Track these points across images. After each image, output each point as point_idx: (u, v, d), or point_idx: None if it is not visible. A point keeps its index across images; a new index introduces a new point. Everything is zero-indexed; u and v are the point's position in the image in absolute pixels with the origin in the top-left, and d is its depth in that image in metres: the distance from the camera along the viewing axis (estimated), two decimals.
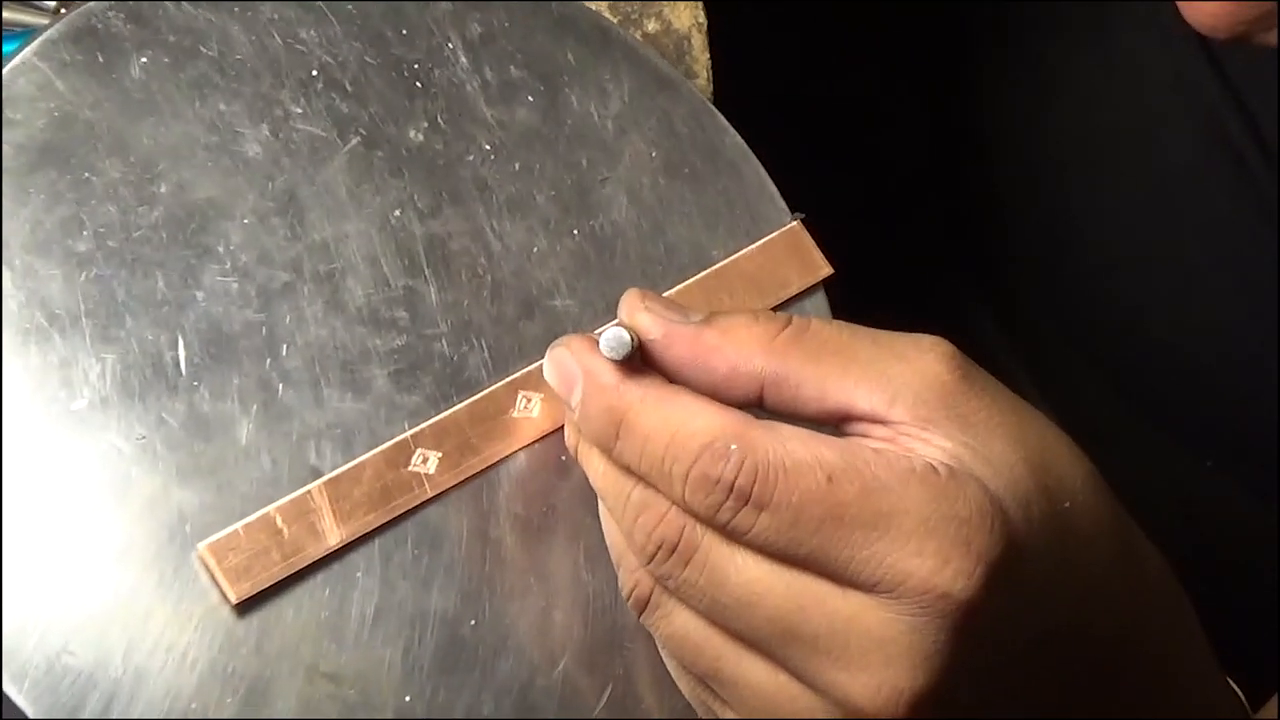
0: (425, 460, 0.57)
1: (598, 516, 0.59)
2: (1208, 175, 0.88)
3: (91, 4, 0.59)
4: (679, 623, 0.55)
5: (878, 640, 0.51)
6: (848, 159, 1.00)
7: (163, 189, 0.58)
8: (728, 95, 0.72)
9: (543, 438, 0.59)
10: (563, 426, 0.59)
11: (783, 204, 0.65)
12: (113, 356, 0.56)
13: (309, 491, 0.56)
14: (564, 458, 0.59)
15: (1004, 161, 0.97)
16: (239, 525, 0.55)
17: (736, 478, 0.51)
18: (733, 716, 0.56)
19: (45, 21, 0.70)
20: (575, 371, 0.55)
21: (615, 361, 0.54)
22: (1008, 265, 0.99)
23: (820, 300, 0.64)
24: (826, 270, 0.64)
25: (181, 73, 0.59)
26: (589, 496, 0.59)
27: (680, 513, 0.53)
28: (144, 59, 0.59)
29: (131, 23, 0.59)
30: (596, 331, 0.57)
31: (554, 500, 0.59)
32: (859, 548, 0.51)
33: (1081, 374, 0.96)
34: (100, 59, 0.59)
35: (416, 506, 0.57)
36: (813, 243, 0.64)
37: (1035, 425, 0.55)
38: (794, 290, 0.64)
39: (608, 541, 0.57)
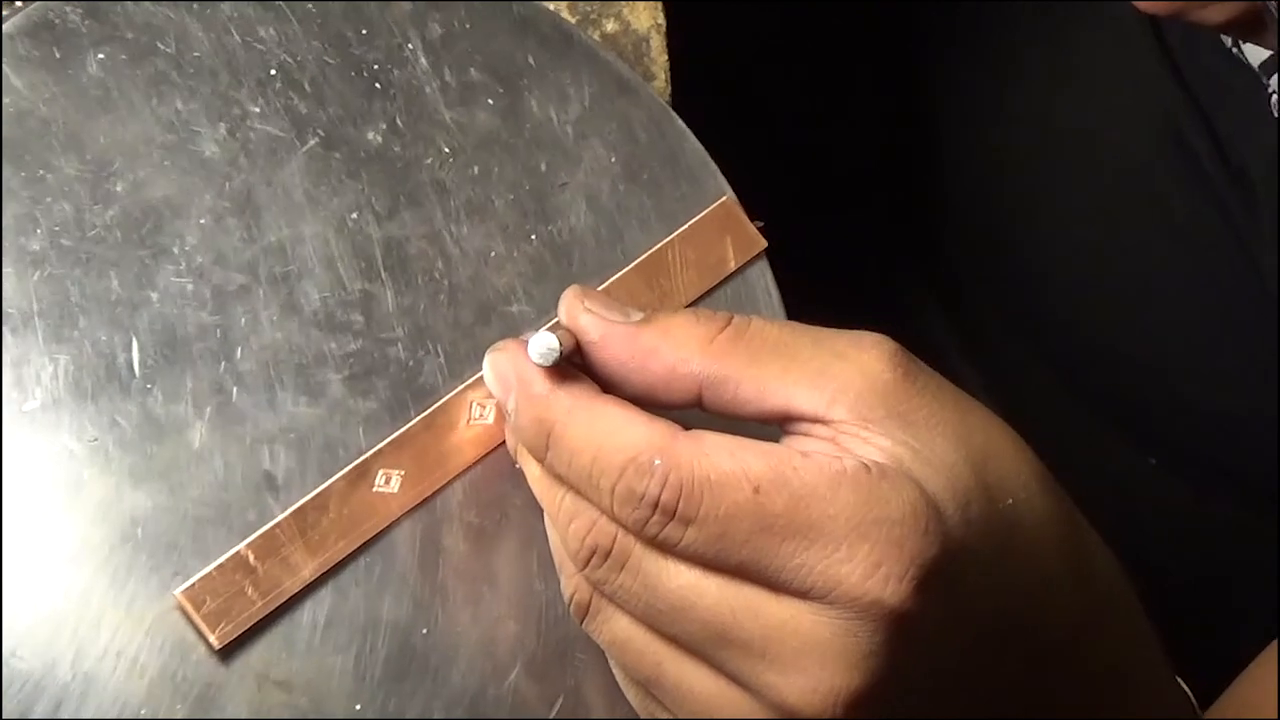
0: (388, 480, 0.57)
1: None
2: (1159, 173, 0.88)
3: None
4: (619, 628, 0.55)
5: (812, 643, 0.51)
6: (804, 156, 1.00)
7: (118, 187, 0.57)
8: (685, 93, 0.72)
9: (498, 445, 0.59)
10: None
11: (743, 213, 0.65)
12: (65, 357, 0.55)
13: (277, 525, 0.55)
14: (517, 465, 0.59)
15: (957, 157, 0.97)
16: (212, 567, 0.54)
17: (661, 493, 0.51)
18: None
19: (3, 14, 0.69)
20: (510, 378, 0.55)
21: (546, 367, 0.54)
22: (958, 260, 0.99)
23: (764, 271, 0.64)
24: (761, 244, 0.64)
25: (139, 70, 0.59)
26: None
27: (611, 520, 0.53)
28: (101, 55, 0.58)
29: (89, 18, 0.58)
30: (524, 336, 0.57)
31: (507, 508, 0.59)
32: (789, 557, 0.51)
33: (1028, 369, 0.96)
34: (57, 54, 0.58)
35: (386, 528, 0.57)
36: (745, 217, 0.64)
37: (979, 422, 0.55)
38: (733, 267, 0.64)
39: (551, 547, 0.57)
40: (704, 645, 0.53)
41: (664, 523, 0.51)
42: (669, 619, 0.53)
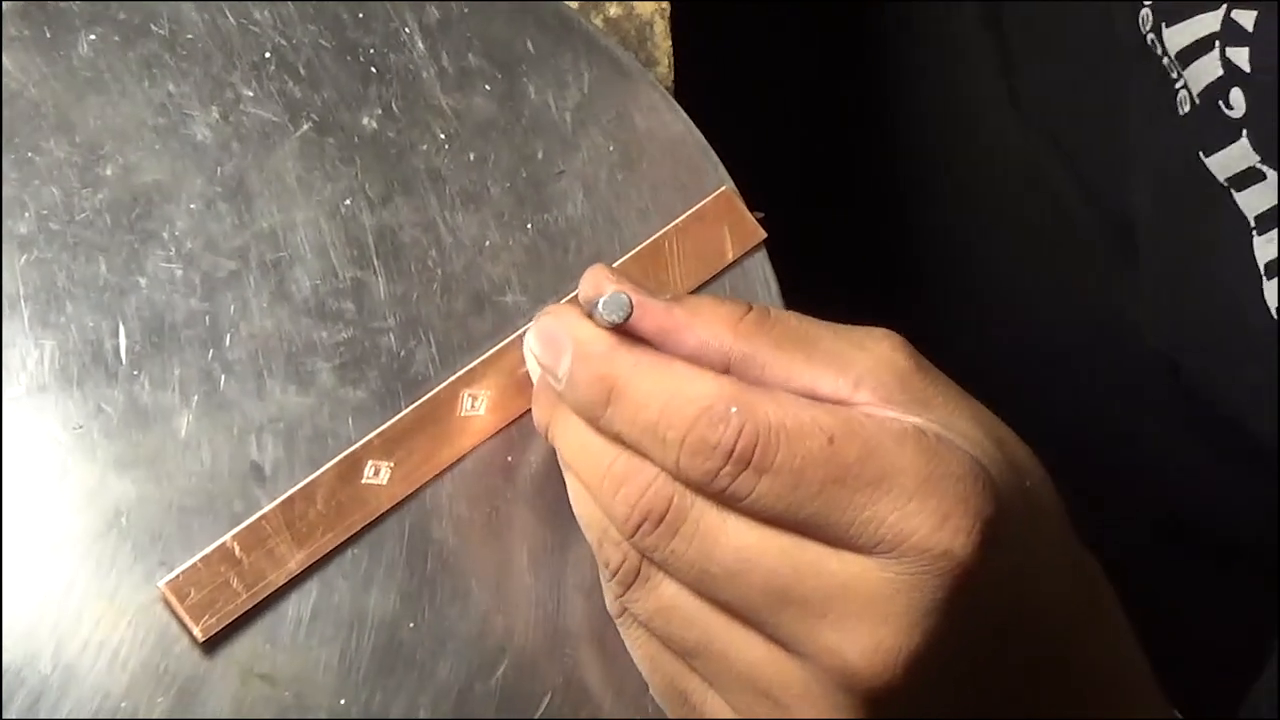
0: (377, 472, 0.57)
1: (542, 519, 0.58)
2: (1028, 219, 0.87)
3: None
4: (666, 596, 0.54)
5: (877, 600, 0.51)
6: (811, 145, 0.99)
7: (108, 171, 0.57)
8: (689, 80, 0.72)
9: (490, 437, 0.59)
10: (509, 425, 0.59)
11: (742, 204, 0.64)
12: (52, 343, 0.55)
13: (263, 517, 0.55)
14: (510, 458, 0.59)
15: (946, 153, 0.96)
16: (197, 558, 0.54)
17: (737, 441, 0.51)
18: (712, 704, 0.55)
19: None
20: (564, 340, 0.54)
21: (606, 328, 0.54)
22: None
23: (763, 263, 0.64)
24: (760, 235, 0.64)
25: (131, 51, 0.58)
26: (534, 498, 0.59)
27: (668, 480, 0.52)
28: (93, 36, 0.58)
29: None
30: (565, 299, 0.57)
31: (498, 501, 0.58)
32: (860, 509, 0.51)
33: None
34: (48, 34, 0.58)
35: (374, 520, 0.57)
36: (744, 208, 0.64)
37: (985, 410, 0.56)
38: (731, 258, 0.63)
39: (583, 522, 0.56)
40: (760, 608, 0.52)
41: (736, 473, 0.51)
42: (724, 582, 0.52)
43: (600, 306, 0.53)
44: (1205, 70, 0.70)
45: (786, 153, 0.97)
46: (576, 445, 0.55)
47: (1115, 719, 0.60)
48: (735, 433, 0.51)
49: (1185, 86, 0.72)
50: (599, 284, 0.55)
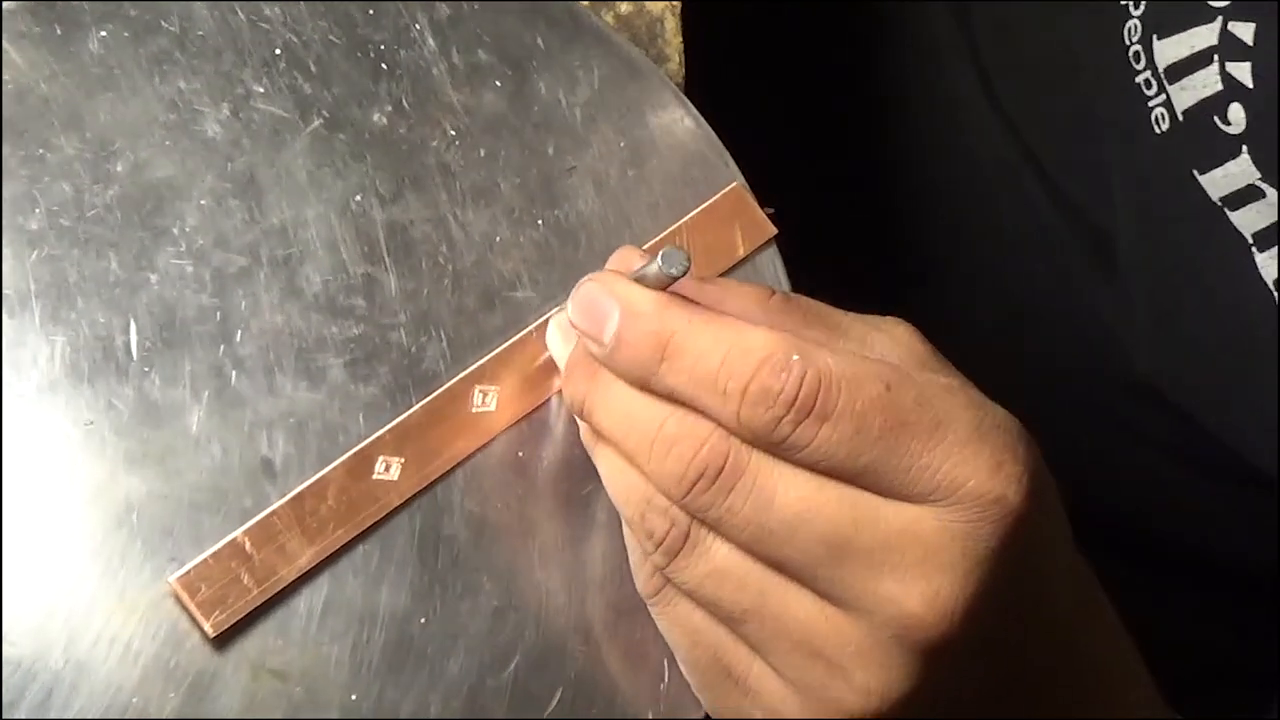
0: (388, 468, 0.57)
1: (554, 515, 0.58)
2: (1010, 240, 0.87)
3: None
4: (718, 559, 0.54)
5: (935, 547, 0.52)
6: (823, 140, 0.99)
7: (119, 167, 0.57)
8: (700, 76, 0.72)
9: (501, 433, 0.59)
10: (520, 421, 0.59)
11: (753, 199, 0.64)
12: (62, 339, 0.55)
13: (274, 512, 0.55)
14: (521, 454, 0.59)
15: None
16: (208, 554, 0.54)
17: (800, 389, 0.51)
18: (759, 672, 0.56)
19: None
20: (608, 304, 0.54)
21: (657, 288, 0.54)
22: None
23: (774, 259, 0.64)
24: (771, 230, 0.64)
25: (141, 48, 0.58)
26: (545, 493, 0.59)
27: (724, 436, 0.53)
28: (103, 32, 0.58)
29: None
30: (632, 269, 0.56)
31: (509, 497, 0.58)
32: (916, 456, 0.52)
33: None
34: (58, 31, 0.57)
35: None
36: (755, 204, 0.64)
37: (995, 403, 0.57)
38: (742, 254, 0.64)
39: (621, 497, 0.56)
40: (817, 563, 0.53)
41: (798, 420, 0.51)
42: (782, 537, 0.53)
43: (660, 259, 0.53)
44: (1200, 84, 0.70)
45: (795, 149, 0.97)
46: (621, 413, 0.55)
47: (1117, 717, 0.60)
48: (798, 381, 0.51)
49: (1165, 104, 0.72)
50: (630, 261, 0.56)
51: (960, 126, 0.87)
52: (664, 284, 0.54)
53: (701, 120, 0.65)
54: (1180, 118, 0.71)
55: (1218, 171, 0.70)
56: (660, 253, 0.53)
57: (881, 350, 0.55)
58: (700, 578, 0.54)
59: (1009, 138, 0.83)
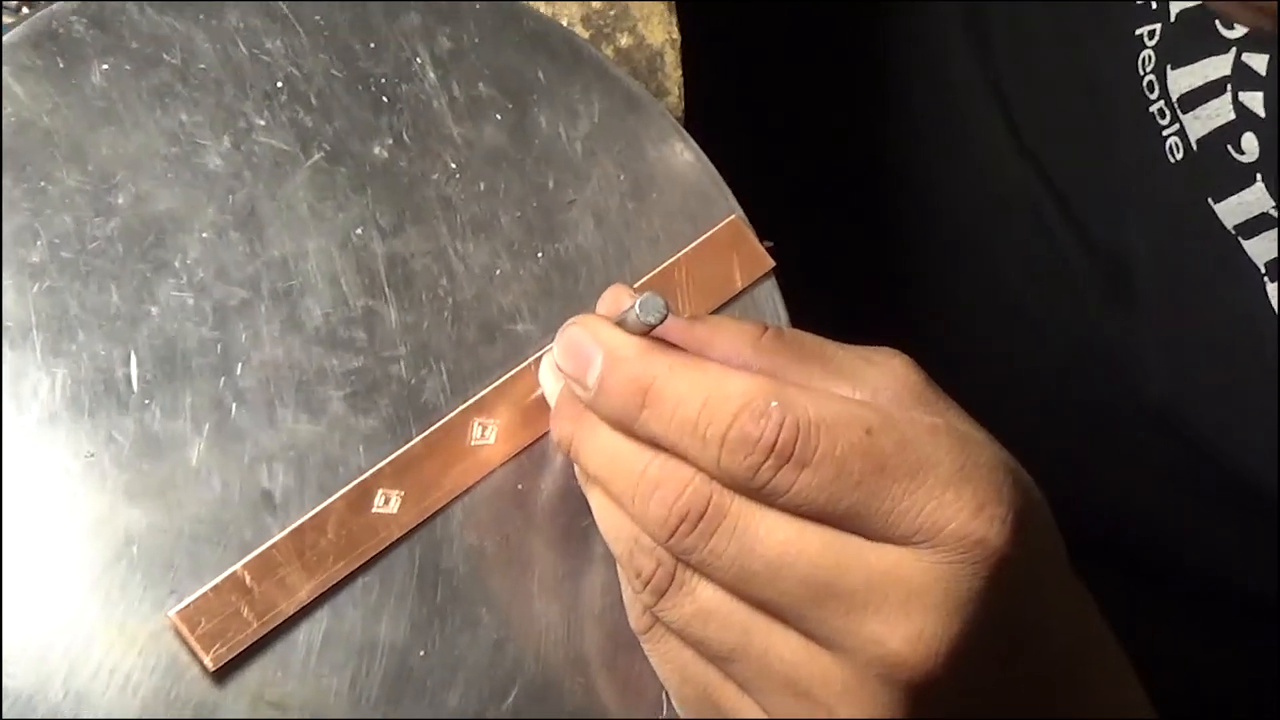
0: (388, 501, 0.57)
1: (553, 546, 0.58)
2: (1020, 265, 0.87)
3: (54, 7, 0.58)
4: (703, 599, 0.54)
5: (917, 589, 0.52)
6: (823, 174, 0.99)
7: (120, 200, 0.57)
8: (700, 109, 0.72)
9: (500, 465, 0.59)
10: (519, 454, 0.59)
11: (752, 233, 0.64)
12: (63, 371, 0.55)
13: (274, 545, 0.55)
14: (520, 486, 0.59)
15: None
16: (208, 587, 0.54)
17: (778, 435, 0.51)
18: (747, 709, 0.56)
19: (8, 22, 0.69)
20: (593, 348, 0.55)
21: (639, 333, 0.54)
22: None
23: (773, 292, 0.64)
24: (769, 263, 0.64)
25: (143, 81, 0.58)
26: (545, 526, 0.59)
27: (706, 480, 0.53)
28: (105, 65, 0.58)
29: (94, 28, 0.58)
30: (604, 313, 0.57)
31: (508, 530, 0.58)
32: (898, 499, 0.52)
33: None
34: (60, 64, 0.58)
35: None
36: (754, 236, 0.64)
37: (988, 433, 0.57)
38: (740, 286, 0.64)
39: (610, 536, 0.56)
40: (801, 604, 0.53)
41: (778, 466, 0.51)
42: (765, 579, 0.53)
43: (636, 307, 0.53)
44: (1213, 114, 0.70)
45: (797, 182, 0.98)
46: (606, 456, 0.55)
47: None
48: (776, 426, 0.51)
49: (1179, 133, 0.72)
50: (620, 301, 0.56)
51: (977, 156, 0.88)
52: (645, 330, 0.54)
53: (701, 153, 0.65)
54: (1194, 147, 0.71)
55: (1232, 199, 0.70)
56: (638, 300, 0.53)
57: (875, 384, 0.55)
58: (687, 617, 0.55)
59: (1027, 166, 0.84)
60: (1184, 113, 0.72)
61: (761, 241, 0.64)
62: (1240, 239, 0.70)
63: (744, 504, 0.52)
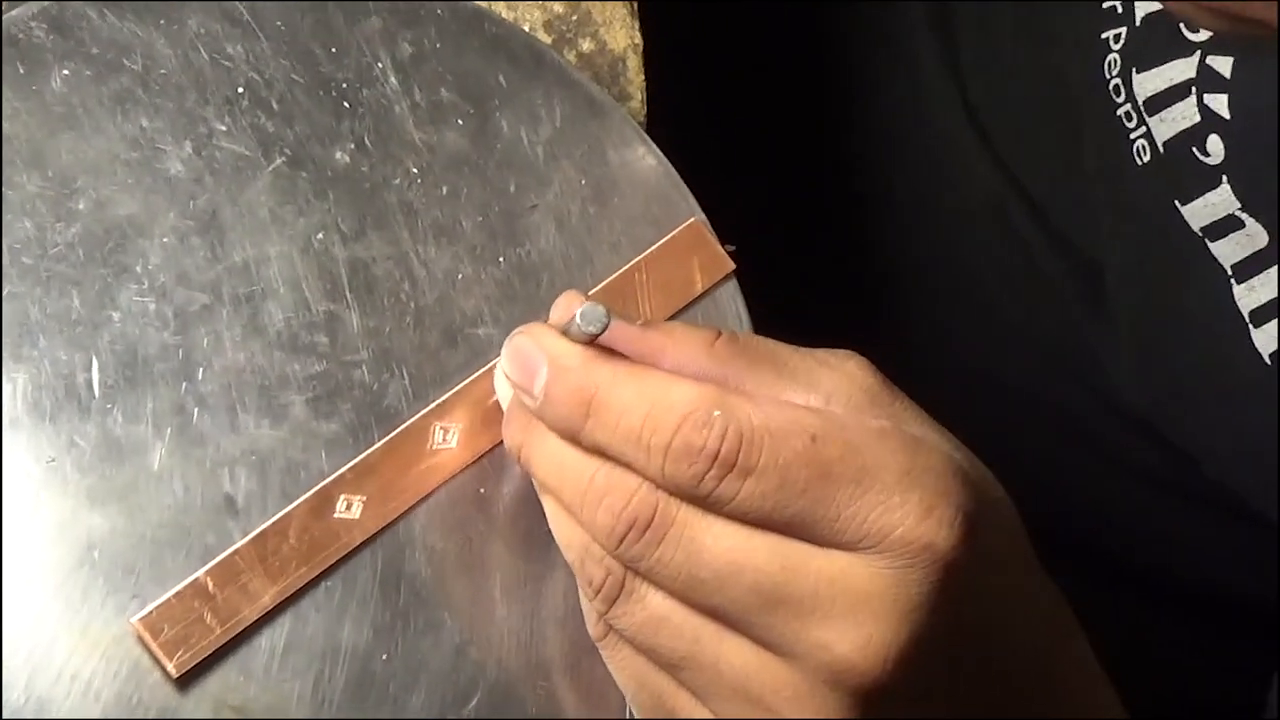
0: (350, 506, 0.57)
1: (515, 550, 0.59)
2: (991, 267, 0.87)
3: (13, 13, 0.58)
4: (654, 606, 0.54)
5: (865, 595, 0.52)
6: (786, 178, 0.99)
7: (81, 205, 0.57)
8: (662, 114, 0.72)
9: (462, 470, 0.59)
10: (481, 458, 0.59)
11: (713, 235, 0.65)
12: (24, 376, 0.55)
13: (236, 552, 0.55)
14: (482, 490, 0.59)
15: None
16: (170, 594, 0.54)
17: (721, 444, 0.51)
18: (701, 716, 0.56)
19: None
20: (538, 357, 0.55)
21: (583, 343, 0.54)
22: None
23: (735, 294, 0.65)
24: (730, 266, 0.64)
25: (104, 86, 0.59)
26: (507, 529, 0.59)
27: (651, 489, 0.53)
28: (65, 71, 0.58)
29: (54, 33, 0.58)
30: (553, 321, 0.57)
31: (470, 534, 0.58)
32: (844, 506, 0.52)
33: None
34: (20, 69, 0.58)
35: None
36: (714, 238, 0.64)
37: (947, 432, 0.57)
38: (700, 289, 0.64)
39: (563, 543, 0.56)
40: (749, 610, 0.53)
41: (721, 475, 0.51)
42: (713, 587, 0.53)
43: (578, 317, 0.53)
44: (1178, 116, 0.70)
45: (762, 187, 0.98)
46: (554, 464, 0.55)
47: None
48: (719, 436, 0.51)
49: (1145, 135, 0.72)
50: (571, 308, 0.56)
51: (946, 161, 0.88)
52: (588, 339, 0.54)
53: (663, 158, 0.65)
54: (1161, 149, 0.72)
55: (1198, 202, 0.70)
56: (579, 310, 0.53)
57: (829, 387, 0.55)
58: (638, 625, 0.55)
59: (996, 171, 0.84)
60: (1150, 115, 0.72)
61: (723, 245, 0.64)
62: (1207, 241, 0.70)
63: (690, 512, 0.53)
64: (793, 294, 0.77)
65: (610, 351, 0.55)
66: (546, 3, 0.72)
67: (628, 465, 0.53)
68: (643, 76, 0.72)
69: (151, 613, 0.54)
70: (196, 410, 0.56)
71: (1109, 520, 0.84)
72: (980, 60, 0.85)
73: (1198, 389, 0.74)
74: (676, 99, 0.74)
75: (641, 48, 0.72)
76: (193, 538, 0.55)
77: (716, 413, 0.52)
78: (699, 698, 0.55)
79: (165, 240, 0.58)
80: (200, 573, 0.55)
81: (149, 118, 0.59)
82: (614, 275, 0.63)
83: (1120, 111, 0.73)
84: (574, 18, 0.72)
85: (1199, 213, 0.70)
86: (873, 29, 0.94)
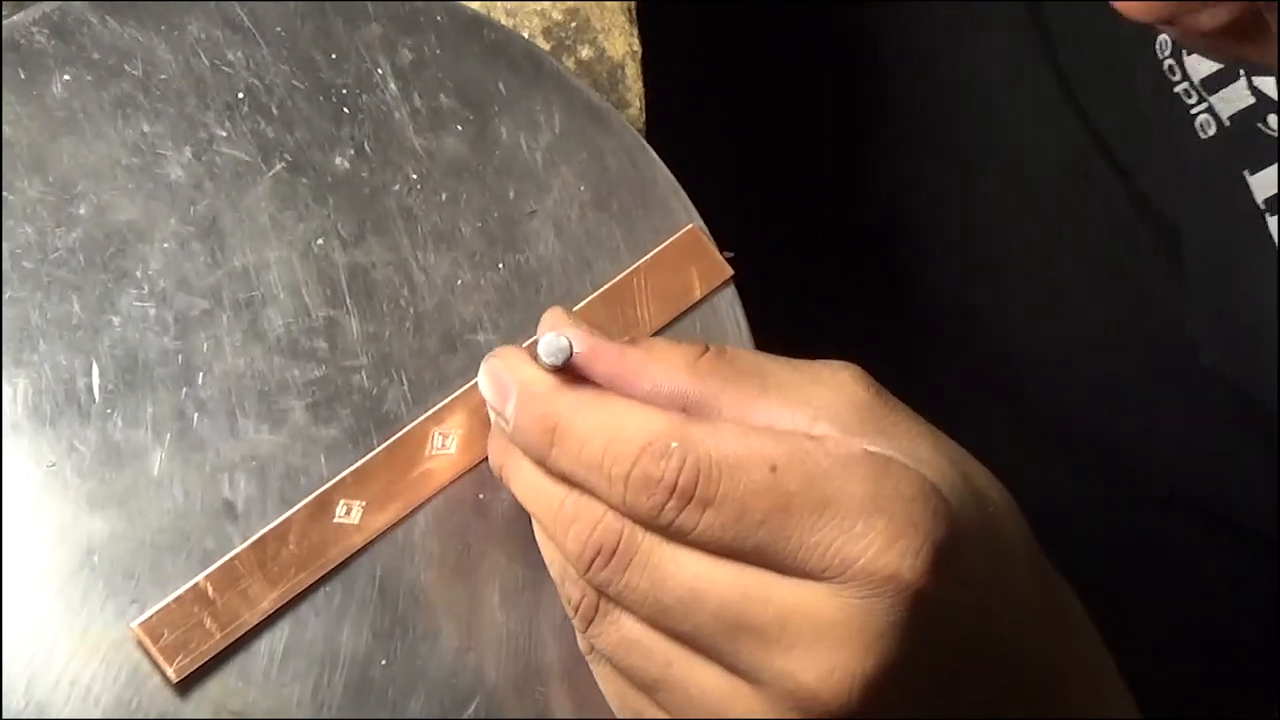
0: (349, 511, 0.57)
1: (513, 556, 0.59)
2: (1074, 217, 0.88)
3: (15, 18, 0.59)
4: (625, 630, 0.55)
5: (828, 624, 0.52)
6: (783, 185, 1.00)
7: (82, 210, 0.58)
8: (661, 124, 0.73)
9: (460, 475, 0.59)
10: (480, 462, 0.59)
11: (711, 242, 0.65)
12: (24, 381, 0.56)
13: (236, 557, 0.56)
14: (481, 495, 0.59)
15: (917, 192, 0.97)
16: (170, 599, 0.55)
17: (679, 476, 0.52)
18: None
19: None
20: (509, 383, 0.56)
21: (550, 370, 0.55)
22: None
23: (733, 301, 0.65)
24: (728, 271, 0.65)
25: (105, 91, 0.59)
26: (505, 535, 0.59)
27: (617, 516, 0.53)
28: (67, 76, 0.59)
29: (56, 38, 0.59)
30: (527, 343, 0.58)
31: (469, 539, 0.59)
32: (806, 535, 0.52)
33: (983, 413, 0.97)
34: (22, 75, 0.58)
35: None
36: (712, 245, 0.65)
37: (948, 440, 0.57)
38: (699, 295, 0.64)
39: (547, 561, 0.57)
40: (715, 638, 0.53)
41: (681, 507, 0.52)
42: (679, 614, 0.53)
43: (540, 348, 0.54)
44: (1235, 96, 0.71)
45: (759, 191, 0.98)
46: (530, 487, 0.56)
47: None
48: (677, 467, 0.52)
49: (1209, 111, 0.73)
50: (555, 327, 0.57)
51: (1028, 123, 0.88)
52: (553, 367, 0.55)
53: (661, 164, 0.65)
54: (1227, 123, 0.72)
55: (1265, 173, 0.71)
56: (541, 342, 0.54)
57: (818, 403, 0.55)
58: (613, 645, 0.56)
59: (1084, 130, 0.84)
60: (1209, 94, 0.73)
61: (721, 251, 0.65)
62: (1266, 215, 0.71)
63: (655, 540, 0.53)
64: (804, 296, 0.78)
65: (580, 379, 0.55)
66: (547, 5, 0.72)
67: (592, 493, 0.54)
68: (641, 83, 0.73)
69: (151, 617, 0.54)
70: (196, 415, 0.57)
71: (1188, 464, 0.85)
72: (1070, 24, 0.86)
73: (1266, 353, 0.74)
74: (675, 105, 0.74)
75: (640, 54, 0.73)
76: (192, 542, 0.56)
77: (674, 444, 0.52)
78: (674, 716, 0.56)
79: (165, 245, 0.58)
80: (200, 577, 0.55)
81: (150, 123, 0.59)
82: (612, 281, 0.63)
83: (1179, 89, 0.74)
84: (573, 24, 0.73)
85: (1264, 184, 0.71)
86: (883, 34, 0.94)
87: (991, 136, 0.92)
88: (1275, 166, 0.71)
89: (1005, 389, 0.68)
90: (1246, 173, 0.72)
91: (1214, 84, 0.72)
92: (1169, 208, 0.79)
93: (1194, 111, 0.74)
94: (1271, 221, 0.71)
